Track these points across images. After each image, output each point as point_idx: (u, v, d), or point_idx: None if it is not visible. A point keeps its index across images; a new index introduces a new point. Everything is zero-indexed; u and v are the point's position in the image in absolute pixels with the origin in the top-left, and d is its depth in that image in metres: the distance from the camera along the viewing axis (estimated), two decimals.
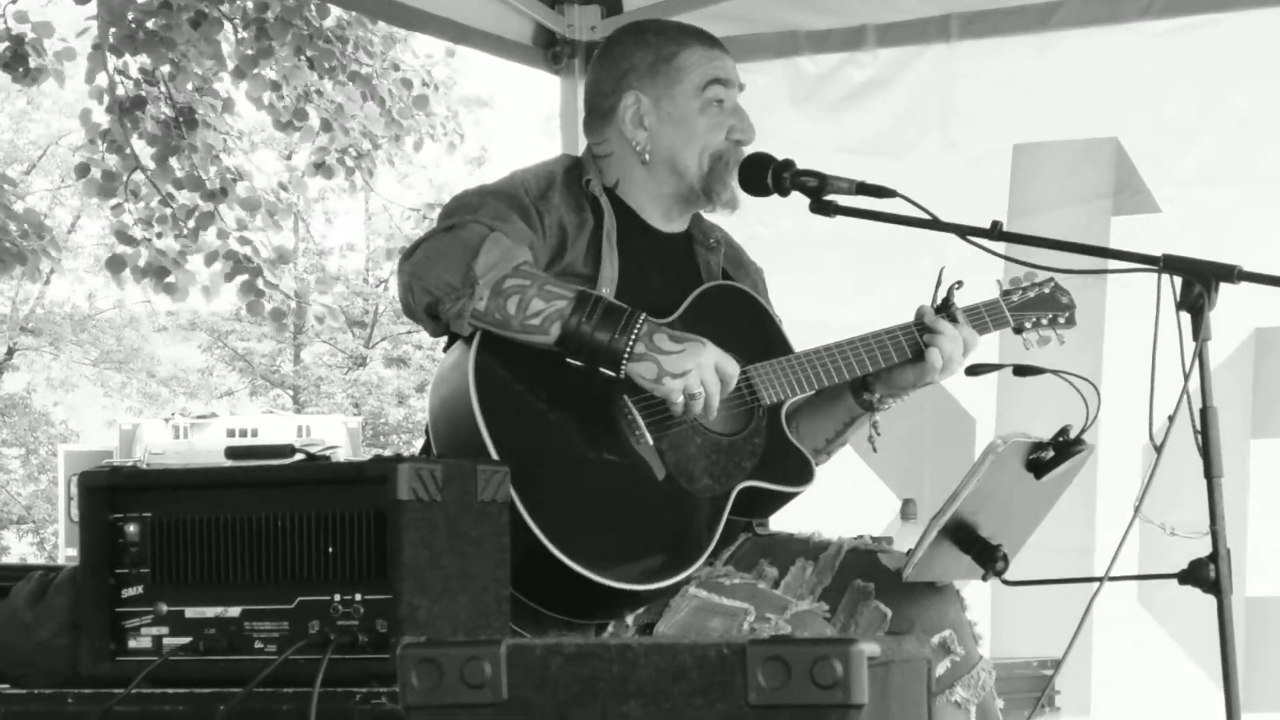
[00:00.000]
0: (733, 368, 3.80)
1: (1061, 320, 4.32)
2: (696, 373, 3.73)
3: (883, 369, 4.11)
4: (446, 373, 3.80)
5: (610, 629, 3.76)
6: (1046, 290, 4.30)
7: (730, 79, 4.12)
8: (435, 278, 3.71)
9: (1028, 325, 4.30)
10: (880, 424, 4.28)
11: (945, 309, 4.11)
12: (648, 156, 4.08)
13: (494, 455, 3.58)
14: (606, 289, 3.92)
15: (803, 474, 4.03)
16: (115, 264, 14.06)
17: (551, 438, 3.73)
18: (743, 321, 4.10)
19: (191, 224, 13.88)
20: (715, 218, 4.24)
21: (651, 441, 3.82)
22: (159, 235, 13.98)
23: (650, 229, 4.12)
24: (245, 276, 14.11)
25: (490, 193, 3.93)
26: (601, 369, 3.73)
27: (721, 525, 3.85)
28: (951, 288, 4.12)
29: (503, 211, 3.84)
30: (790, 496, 4.04)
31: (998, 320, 4.24)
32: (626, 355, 3.70)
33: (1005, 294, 4.27)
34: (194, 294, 14.56)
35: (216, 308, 35.27)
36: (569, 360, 3.73)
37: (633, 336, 3.69)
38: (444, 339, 3.92)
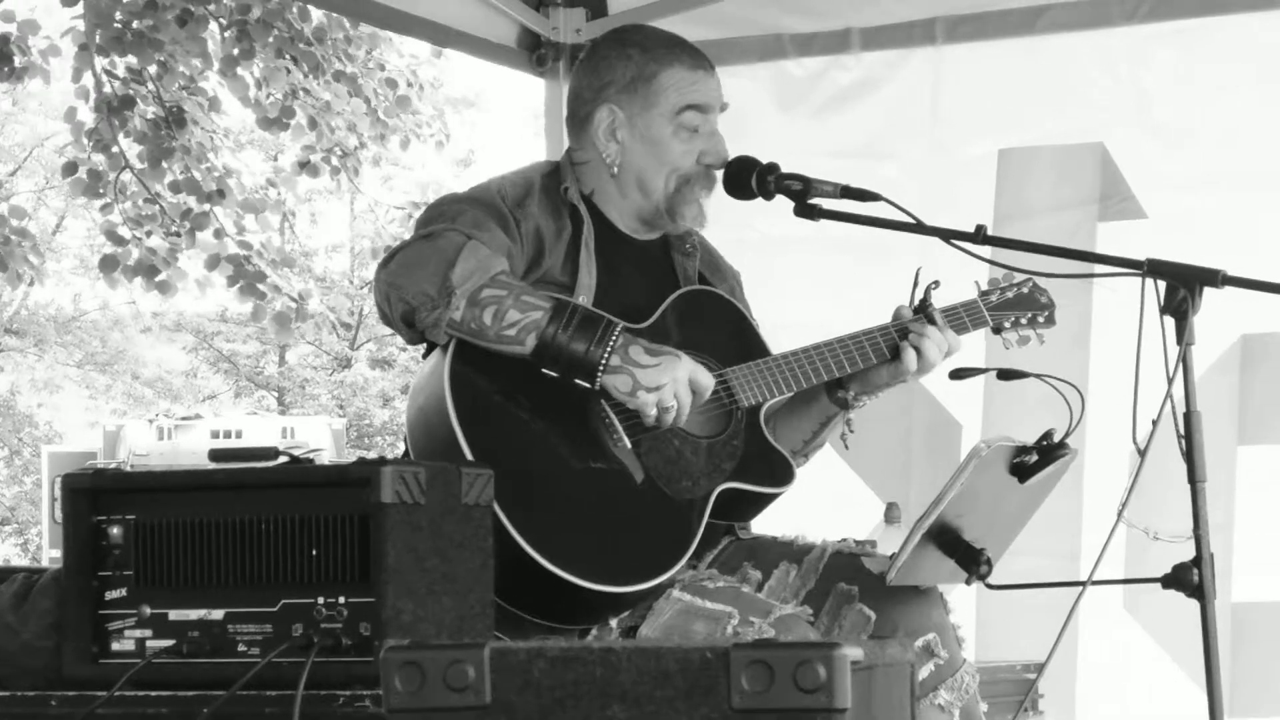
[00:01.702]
0: (707, 379, 3.82)
1: (1041, 319, 4.32)
2: (671, 386, 3.74)
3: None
4: (423, 382, 3.80)
5: (594, 632, 3.76)
6: (1025, 290, 4.30)
7: (708, 103, 4.11)
8: (412, 287, 3.71)
9: (1006, 325, 4.30)
10: (859, 425, 4.28)
11: (923, 309, 4.12)
12: (615, 170, 4.08)
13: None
14: (584, 296, 3.92)
15: (783, 475, 4.04)
16: (108, 264, 14.04)
17: (529, 444, 3.73)
18: (719, 325, 4.11)
19: (186, 225, 13.86)
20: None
21: (630, 445, 3.81)
22: (148, 234, 13.97)
23: (626, 236, 4.12)
24: (245, 280, 14.10)
25: (468, 200, 3.93)
26: (577, 381, 3.73)
27: (702, 527, 3.85)
28: (929, 288, 4.12)
29: (480, 219, 3.84)
30: (771, 498, 4.05)
31: (976, 320, 4.24)
32: (602, 367, 3.71)
33: (984, 294, 4.27)
34: (182, 294, 14.56)
35: (202, 309, 35.28)
36: (544, 371, 3.73)
37: (608, 349, 3.70)
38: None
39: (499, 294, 3.70)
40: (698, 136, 4.08)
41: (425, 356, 3.89)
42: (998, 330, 4.30)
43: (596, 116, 4.09)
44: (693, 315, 4.05)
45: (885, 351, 4.09)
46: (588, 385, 3.73)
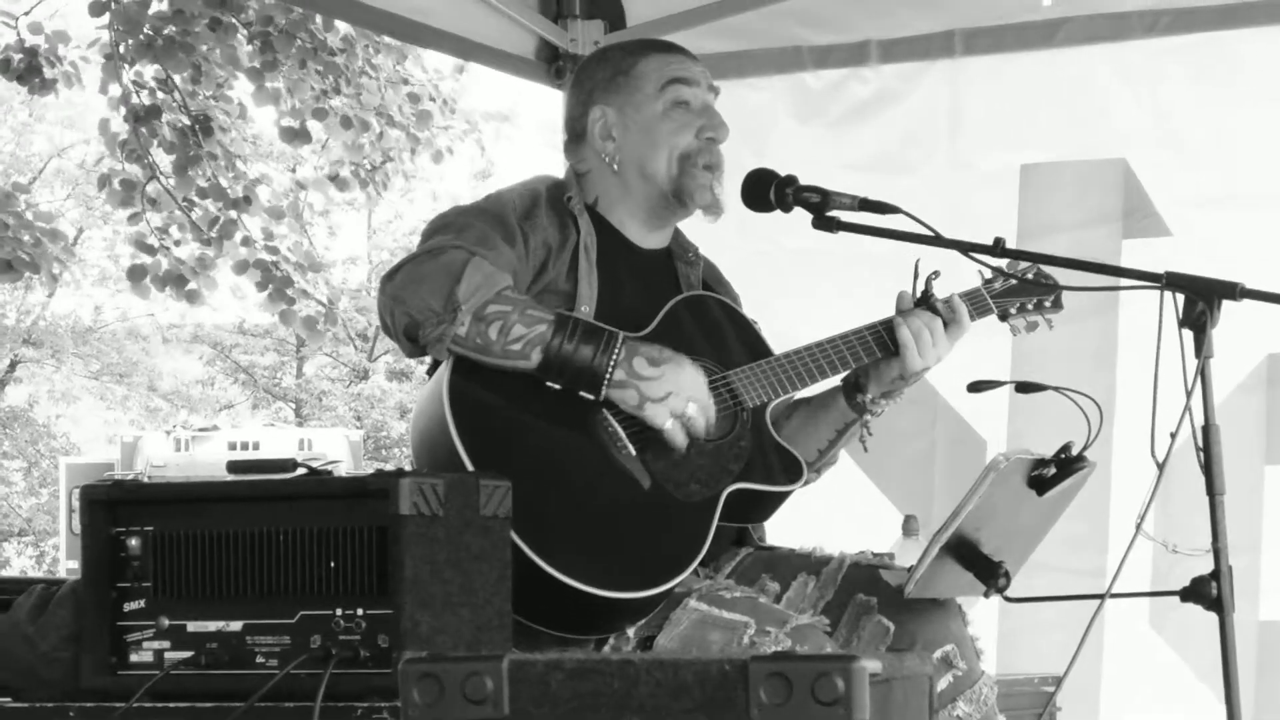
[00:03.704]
0: (702, 377, 3.84)
1: (1048, 304, 4.27)
2: (679, 394, 3.77)
3: (866, 365, 4.10)
4: (423, 406, 3.81)
5: (611, 642, 3.76)
6: (1029, 276, 4.27)
7: (692, 78, 4.15)
8: (417, 301, 3.72)
9: (1013, 311, 4.26)
10: (883, 440, 4.26)
11: (925, 300, 4.10)
12: (616, 166, 4.11)
13: None
14: (585, 306, 3.94)
15: (792, 472, 4.02)
16: (136, 273, 14.08)
17: (533, 459, 3.71)
18: (720, 328, 4.10)
19: (214, 233, 13.88)
20: (701, 233, 4.25)
21: (634, 452, 3.81)
22: (177, 243, 14.01)
23: (631, 245, 4.14)
24: (274, 285, 14.12)
25: (475, 213, 3.94)
26: (581, 393, 3.75)
27: (713, 528, 3.84)
28: (929, 278, 4.09)
29: (487, 235, 3.85)
30: (782, 497, 4.04)
31: (980, 308, 4.20)
32: (607, 380, 3.74)
33: (987, 282, 4.22)
34: (203, 305, 14.59)
35: (220, 320, 35.33)
36: (549, 384, 3.75)
37: (612, 360, 3.74)
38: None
39: (504, 309, 3.71)
40: (690, 112, 4.12)
41: (431, 372, 3.89)
42: (1004, 317, 4.27)
43: (589, 121, 4.14)
44: (693, 319, 4.05)
45: (889, 344, 4.07)
46: (593, 397, 3.75)
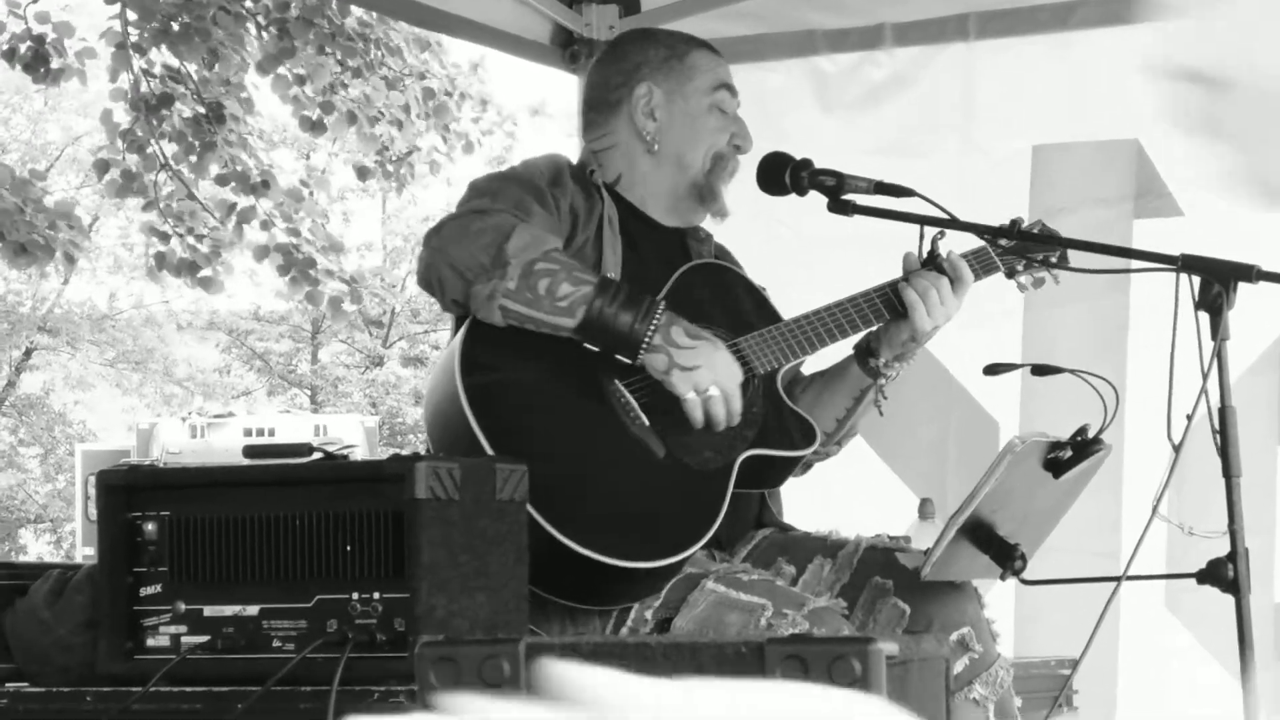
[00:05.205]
0: (737, 368, 3.85)
1: (1054, 259, 4.26)
2: (707, 370, 3.77)
3: (875, 329, 4.10)
4: (436, 381, 3.82)
5: (629, 623, 3.76)
6: (1035, 232, 4.27)
7: (735, 89, 4.21)
8: (465, 257, 3.73)
9: (1019, 268, 4.26)
10: (897, 422, 4.26)
11: (931, 260, 4.09)
12: (656, 147, 4.12)
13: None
14: (611, 274, 3.95)
15: (806, 436, 4.02)
16: (160, 260, 14.09)
17: (546, 430, 3.74)
18: (729, 295, 4.11)
19: (233, 219, 13.88)
20: (713, 225, 4.26)
21: (647, 422, 3.82)
22: (190, 231, 14.00)
23: (649, 219, 4.15)
24: (296, 268, 14.11)
25: (508, 178, 3.96)
26: (617, 356, 3.77)
27: (728, 496, 3.85)
28: (935, 238, 4.08)
29: (523, 200, 3.88)
30: (795, 461, 4.05)
31: (987, 266, 4.19)
32: (645, 344, 3.75)
33: (992, 240, 4.22)
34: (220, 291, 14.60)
35: (236, 307, 35.35)
36: (586, 346, 3.77)
37: (652, 325, 3.75)
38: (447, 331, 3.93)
39: (552, 267, 3.74)
40: (727, 118, 4.16)
41: (453, 334, 3.90)
42: (1010, 274, 4.27)
43: (634, 95, 4.14)
44: (703, 287, 4.06)
45: (897, 305, 4.07)
46: (628, 361, 3.78)
